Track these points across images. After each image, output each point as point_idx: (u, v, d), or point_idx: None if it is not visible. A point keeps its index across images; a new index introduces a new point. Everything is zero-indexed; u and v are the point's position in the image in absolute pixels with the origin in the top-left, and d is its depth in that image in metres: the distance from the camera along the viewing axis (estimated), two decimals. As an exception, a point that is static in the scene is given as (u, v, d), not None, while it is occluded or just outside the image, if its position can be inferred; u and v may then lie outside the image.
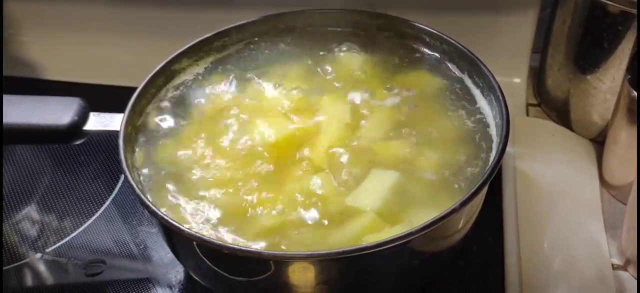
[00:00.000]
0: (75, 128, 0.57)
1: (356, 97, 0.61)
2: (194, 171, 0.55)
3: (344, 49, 0.66)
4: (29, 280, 0.63)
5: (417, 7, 0.74)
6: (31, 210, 0.69)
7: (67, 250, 0.64)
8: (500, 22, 0.76)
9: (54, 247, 0.65)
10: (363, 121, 0.59)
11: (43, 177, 0.73)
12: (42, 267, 0.64)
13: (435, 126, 0.58)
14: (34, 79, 0.88)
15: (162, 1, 0.82)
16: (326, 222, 0.50)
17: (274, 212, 0.51)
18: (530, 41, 0.76)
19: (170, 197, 0.53)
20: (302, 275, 0.47)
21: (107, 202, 0.69)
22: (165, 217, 0.48)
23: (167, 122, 0.60)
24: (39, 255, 0.64)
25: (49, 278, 0.63)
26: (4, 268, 0.63)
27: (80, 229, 0.66)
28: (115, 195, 0.70)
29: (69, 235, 0.66)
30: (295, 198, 0.52)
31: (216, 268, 0.50)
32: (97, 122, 0.58)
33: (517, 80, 0.78)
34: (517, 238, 0.62)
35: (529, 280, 0.58)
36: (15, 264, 0.64)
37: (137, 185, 0.51)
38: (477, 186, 0.48)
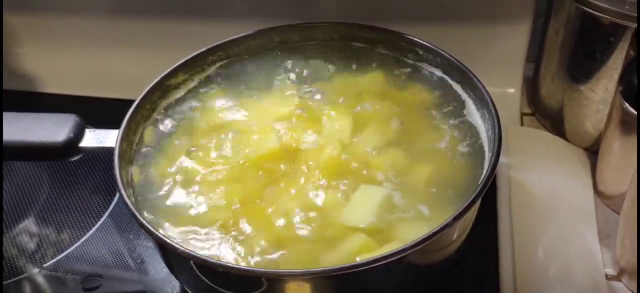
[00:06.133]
0: (71, 145, 0.58)
1: (349, 110, 0.61)
2: (189, 187, 0.56)
3: (338, 62, 0.67)
4: (27, 295, 0.63)
5: (411, 19, 0.74)
6: (29, 225, 0.70)
7: (65, 264, 0.65)
8: (494, 33, 0.76)
9: (52, 261, 0.65)
10: (356, 135, 0.59)
11: (40, 191, 0.73)
12: (39, 282, 0.64)
13: (428, 138, 0.58)
14: (30, 92, 0.89)
15: (159, 14, 0.82)
16: (318, 240, 0.50)
17: (267, 229, 0.52)
18: (524, 51, 0.76)
19: (165, 214, 0.54)
20: (296, 292, 0.47)
21: (104, 216, 0.69)
22: (161, 236, 0.48)
23: (163, 137, 0.60)
24: (37, 269, 0.65)
25: (46, 292, 0.63)
26: (3, 283, 0.63)
27: (78, 243, 0.67)
28: (112, 209, 0.70)
29: (66, 249, 0.66)
30: (288, 215, 0.52)
31: (211, 285, 0.50)
32: (93, 138, 0.58)
33: (511, 90, 0.78)
34: (511, 247, 0.62)
35: (524, 289, 0.58)
36: (14, 279, 0.64)
37: (132, 203, 0.51)
38: (469, 200, 0.48)
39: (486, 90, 0.58)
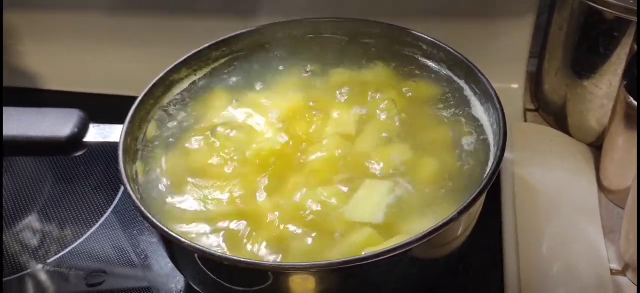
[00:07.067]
0: (75, 140, 0.57)
1: (354, 105, 0.61)
2: (193, 181, 0.56)
3: (342, 57, 0.67)
4: (30, 291, 0.63)
5: (415, 15, 0.75)
6: (32, 221, 0.70)
7: (69, 261, 0.65)
8: (498, 28, 0.76)
9: (55, 257, 0.65)
10: (361, 130, 0.59)
11: (44, 187, 0.73)
12: (43, 278, 0.64)
13: (433, 134, 0.58)
14: (33, 89, 0.89)
15: (162, 10, 0.82)
16: (324, 234, 0.50)
17: (272, 224, 0.51)
18: (528, 47, 0.77)
19: (170, 208, 0.54)
20: (302, 286, 0.47)
21: (108, 212, 0.69)
22: (166, 229, 0.48)
23: (167, 132, 0.60)
24: (40, 265, 0.65)
25: (50, 288, 0.63)
26: (6, 279, 0.63)
27: (81, 239, 0.67)
28: (116, 205, 0.70)
29: (70, 245, 0.66)
30: (294, 210, 0.52)
31: (217, 279, 0.50)
32: (97, 133, 0.58)
33: (514, 85, 0.78)
34: (516, 243, 0.62)
35: (528, 285, 0.58)
36: (17, 275, 0.64)
37: (137, 197, 0.51)
38: (474, 194, 0.48)
39: (491, 85, 0.58)
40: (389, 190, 0.53)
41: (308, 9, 0.75)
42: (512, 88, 0.78)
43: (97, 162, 0.75)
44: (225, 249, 0.50)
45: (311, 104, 0.62)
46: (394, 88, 0.63)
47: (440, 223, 0.46)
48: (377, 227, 0.50)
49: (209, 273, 0.50)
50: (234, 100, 0.63)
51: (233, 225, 0.52)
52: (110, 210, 0.70)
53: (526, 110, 0.79)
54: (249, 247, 0.50)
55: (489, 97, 0.57)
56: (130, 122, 0.57)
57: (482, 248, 0.62)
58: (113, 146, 0.56)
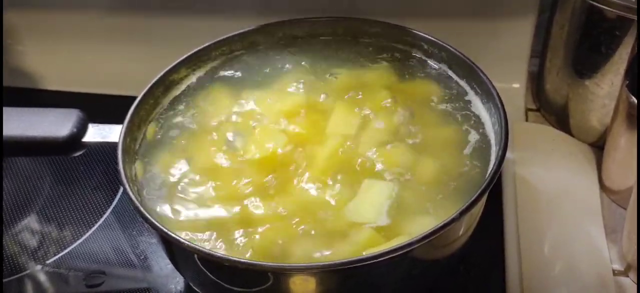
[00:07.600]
0: (74, 140, 0.57)
1: (354, 106, 0.61)
2: (193, 182, 0.55)
3: (343, 57, 0.66)
4: (29, 292, 0.63)
5: (416, 14, 0.75)
6: (31, 222, 0.69)
7: (68, 261, 0.65)
8: (499, 27, 0.76)
9: (55, 258, 0.65)
10: (361, 130, 0.58)
11: (43, 187, 0.73)
12: (42, 279, 0.64)
13: (434, 134, 0.58)
14: (32, 89, 0.89)
15: (161, 9, 0.82)
16: (325, 234, 0.50)
17: (272, 224, 0.51)
18: (529, 46, 0.76)
19: (169, 209, 0.53)
20: (302, 286, 0.47)
21: (107, 213, 0.69)
22: (165, 230, 0.48)
23: (166, 132, 0.60)
24: (39, 266, 0.64)
25: (49, 289, 0.63)
26: (5, 280, 0.63)
27: (81, 240, 0.66)
28: (115, 205, 0.70)
29: (69, 246, 0.66)
30: (294, 211, 0.52)
31: (217, 280, 0.50)
32: (96, 133, 0.58)
33: (516, 85, 0.78)
34: (517, 243, 0.62)
35: (530, 285, 0.58)
36: (16, 276, 0.64)
37: (136, 198, 0.51)
38: (476, 195, 0.48)
39: (492, 84, 0.58)
40: (390, 191, 0.53)
41: (308, 8, 0.74)
42: (513, 87, 0.78)
43: (96, 162, 0.74)
44: (225, 250, 0.50)
45: (311, 103, 0.61)
46: (394, 88, 0.63)
47: (442, 224, 0.46)
48: (378, 228, 0.50)
49: (209, 274, 0.49)
50: (234, 101, 0.63)
51: (233, 226, 0.51)
52: (109, 210, 0.69)
53: (527, 109, 0.78)
54: (249, 247, 0.50)
55: (490, 96, 0.57)
56: (130, 122, 0.57)
57: (484, 248, 0.62)
58: (112, 146, 0.56)
